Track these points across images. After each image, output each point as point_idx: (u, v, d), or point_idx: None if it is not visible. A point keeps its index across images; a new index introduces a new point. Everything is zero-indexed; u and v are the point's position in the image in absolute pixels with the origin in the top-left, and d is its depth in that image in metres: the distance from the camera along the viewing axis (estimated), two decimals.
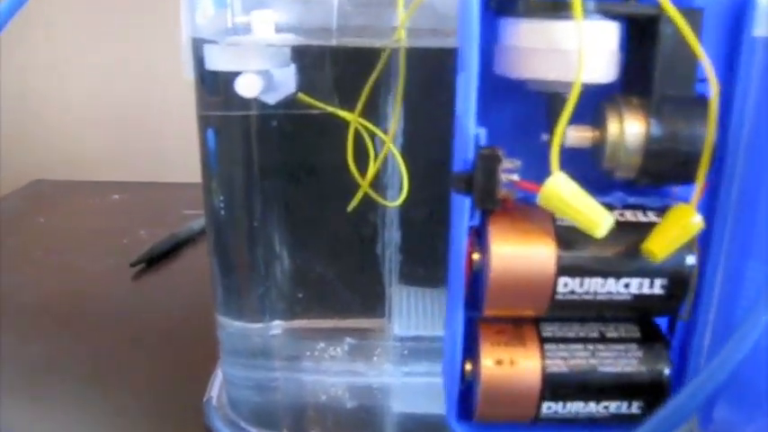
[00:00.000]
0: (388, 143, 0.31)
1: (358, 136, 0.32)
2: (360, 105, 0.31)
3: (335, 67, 0.32)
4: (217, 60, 0.30)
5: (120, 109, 0.66)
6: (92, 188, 0.62)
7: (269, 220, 0.35)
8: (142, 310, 0.43)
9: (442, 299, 0.37)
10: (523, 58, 0.23)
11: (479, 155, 0.24)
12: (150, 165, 0.66)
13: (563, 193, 0.23)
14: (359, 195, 0.32)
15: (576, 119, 0.23)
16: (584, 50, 0.22)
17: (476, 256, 0.25)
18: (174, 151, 0.66)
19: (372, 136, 0.32)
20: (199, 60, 0.31)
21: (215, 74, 0.31)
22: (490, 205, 0.24)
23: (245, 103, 0.31)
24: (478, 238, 0.25)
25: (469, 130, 0.23)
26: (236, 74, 0.30)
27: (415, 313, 0.37)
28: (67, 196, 0.61)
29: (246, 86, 0.29)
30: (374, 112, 0.32)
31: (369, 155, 0.32)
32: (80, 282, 0.46)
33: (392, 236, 0.36)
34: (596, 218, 0.23)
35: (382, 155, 0.32)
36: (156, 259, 0.48)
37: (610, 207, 0.25)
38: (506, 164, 0.24)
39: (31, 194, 0.61)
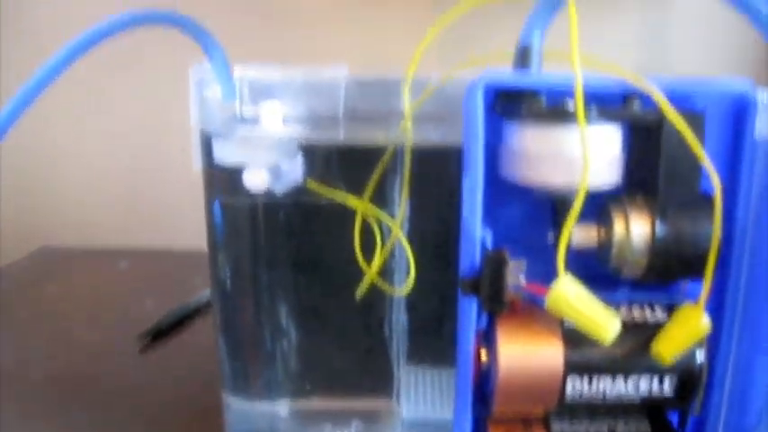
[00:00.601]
0: (396, 230, 0.31)
1: (365, 223, 0.32)
2: (367, 194, 0.31)
3: (342, 158, 0.32)
4: (225, 154, 0.30)
5: (128, 173, 0.66)
6: (99, 255, 0.62)
7: (276, 301, 0.35)
8: (149, 385, 0.42)
9: (450, 379, 0.37)
10: (528, 162, 0.23)
11: (486, 258, 0.23)
12: (158, 231, 0.66)
13: (570, 298, 0.22)
14: (366, 283, 0.32)
15: (581, 218, 0.23)
16: (588, 156, 0.22)
17: (483, 356, 0.25)
18: (183, 218, 0.66)
19: (379, 223, 0.32)
20: (207, 150, 0.31)
21: (223, 166, 0.31)
22: (498, 308, 0.24)
23: (251, 192, 0.31)
24: (486, 338, 0.25)
25: (476, 233, 0.23)
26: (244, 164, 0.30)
27: (424, 395, 0.36)
28: (74, 264, 0.60)
29: (254, 181, 0.29)
30: (381, 199, 0.32)
31: (375, 242, 0.32)
32: (87, 355, 0.46)
33: (399, 318, 0.35)
34: (604, 323, 0.22)
35: (390, 242, 0.32)
36: (164, 332, 0.48)
37: (616, 304, 0.25)
38: (513, 266, 0.24)
39: (36, 262, 0.61)
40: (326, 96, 0.32)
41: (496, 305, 0.24)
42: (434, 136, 0.31)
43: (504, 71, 0.24)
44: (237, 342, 0.37)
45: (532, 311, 0.25)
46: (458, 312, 0.26)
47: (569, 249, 0.24)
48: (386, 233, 0.32)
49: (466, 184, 0.23)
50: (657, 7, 0.57)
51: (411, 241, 0.32)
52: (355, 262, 0.33)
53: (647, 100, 0.24)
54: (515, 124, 0.23)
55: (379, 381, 0.36)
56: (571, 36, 0.21)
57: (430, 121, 0.31)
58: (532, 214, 0.26)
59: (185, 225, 0.67)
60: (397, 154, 0.31)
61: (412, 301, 0.35)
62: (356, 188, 0.32)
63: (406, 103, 0.30)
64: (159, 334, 0.48)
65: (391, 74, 0.39)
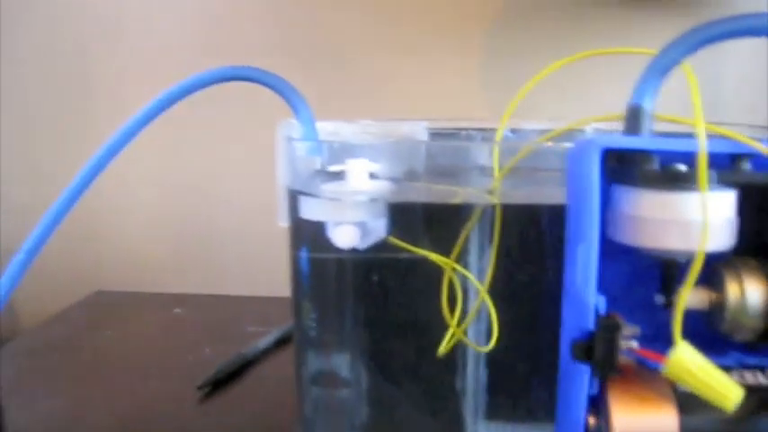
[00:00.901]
0: (483, 293, 0.30)
1: (436, 277, 0.32)
2: (454, 253, 0.30)
3: (425, 216, 0.32)
4: (313, 212, 0.30)
5: (182, 221, 0.66)
6: (152, 300, 0.62)
7: (356, 350, 0.35)
8: None
9: None
10: (643, 227, 0.23)
11: (600, 324, 0.23)
12: (210, 276, 0.66)
13: (690, 366, 0.22)
14: (451, 341, 0.31)
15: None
16: (708, 221, 0.22)
17: (592, 422, 0.24)
18: (235, 264, 0.66)
19: (459, 276, 0.32)
20: (294, 209, 0.31)
21: (310, 221, 0.30)
22: (610, 374, 0.23)
23: (336, 246, 0.31)
24: (594, 404, 0.24)
25: (589, 300, 0.23)
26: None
27: None
28: (129, 309, 0.60)
29: (344, 238, 0.29)
30: (462, 255, 0.32)
31: (456, 297, 0.32)
32: (148, 404, 0.45)
33: (478, 372, 0.35)
34: (726, 392, 0.22)
35: (477, 305, 0.31)
36: (223, 381, 0.47)
37: (727, 369, 0.24)
38: (625, 330, 0.23)
39: (92, 307, 0.61)
40: (408, 152, 0.32)
41: (609, 371, 0.23)
42: (522, 194, 0.31)
43: (616, 134, 0.24)
44: (316, 390, 0.36)
45: (643, 375, 0.24)
46: (561, 376, 0.25)
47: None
48: (466, 286, 0.32)
49: (580, 252, 0.23)
50: (710, 62, 0.57)
51: (493, 296, 0.32)
52: (433, 317, 0.33)
53: (756, 160, 0.23)
54: (629, 188, 0.23)
55: None
56: (693, 99, 0.21)
57: (514, 177, 0.31)
58: (636, 275, 0.26)
59: (236, 271, 0.67)
60: (482, 211, 0.31)
61: (491, 358, 0.34)
62: (437, 242, 0.32)
63: (496, 162, 0.29)
64: (218, 383, 0.47)
65: (466, 126, 0.39)
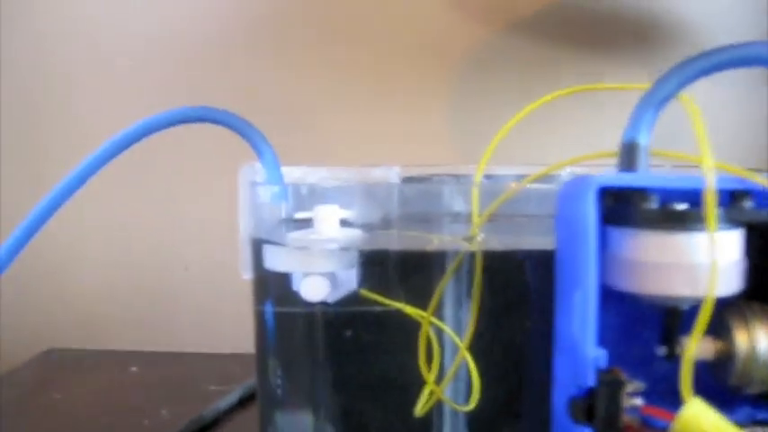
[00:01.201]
0: (463, 350, 0.28)
1: (412, 331, 0.29)
2: (432, 304, 0.28)
3: (399, 265, 0.30)
4: (279, 262, 0.27)
5: (137, 273, 0.63)
6: (107, 358, 0.57)
7: (326, 409, 0.31)
8: None
9: None
10: (643, 272, 0.21)
11: (601, 380, 0.20)
12: (167, 333, 0.62)
13: (704, 424, 0.19)
14: (431, 401, 0.29)
15: (689, 328, 0.21)
16: (717, 264, 0.19)
17: None
18: (194, 321, 0.62)
19: (437, 330, 0.29)
20: (257, 259, 0.28)
21: (275, 273, 0.28)
22: None
23: (303, 300, 0.28)
24: None
25: (588, 352, 0.20)
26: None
27: None
28: (81, 368, 0.56)
29: (313, 290, 0.26)
30: (438, 307, 0.29)
31: (432, 353, 0.29)
32: None
33: None
34: None
35: (457, 361, 0.28)
36: None
37: (738, 425, 0.22)
38: (629, 386, 0.21)
39: (42, 366, 0.57)
40: (380, 196, 0.30)
41: None
42: (502, 241, 0.29)
43: (612, 172, 0.22)
44: None
45: None
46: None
47: (677, 363, 0.21)
48: (442, 340, 0.29)
49: (576, 298, 0.20)
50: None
51: (473, 351, 0.29)
52: (409, 375, 0.30)
53: (758, 196, 0.22)
54: (627, 230, 0.21)
55: None
56: (698, 131, 0.19)
57: (492, 224, 0.29)
58: (632, 324, 0.24)
59: (194, 327, 0.64)
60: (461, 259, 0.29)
61: (472, 417, 0.31)
62: (412, 293, 0.29)
63: (475, 206, 0.27)
64: None
65: (437, 172, 0.37)
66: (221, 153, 0.57)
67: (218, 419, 0.47)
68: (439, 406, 0.31)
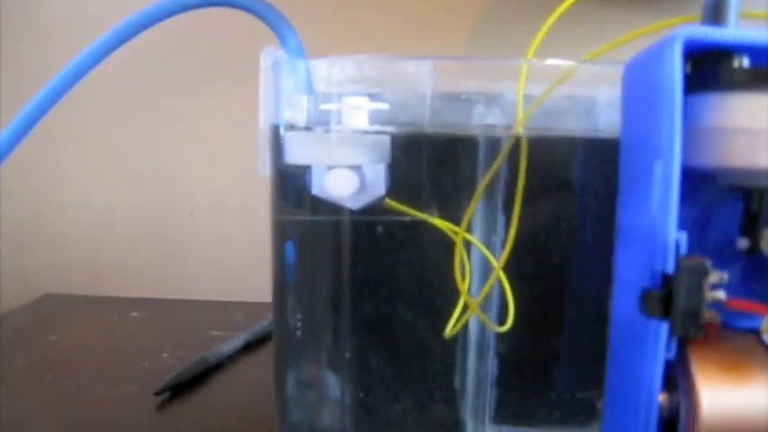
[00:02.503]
0: (498, 270, 0.24)
1: (443, 243, 0.25)
2: (466, 217, 0.24)
3: (431, 162, 0.26)
4: (302, 152, 0.23)
5: (140, 219, 0.59)
6: (108, 304, 0.54)
7: (345, 335, 0.28)
8: None
9: None
10: (731, 140, 0.17)
11: (682, 266, 0.17)
12: (171, 281, 0.58)
13: None
14: (465, 316, 0.25)
15: None
16: None
17: (663, 399, 0.18)
18: (197, 267, 0.59)
19: (467, 245, 0.26)
20: (278, 152, 0.24)
21: (296, 172, 0.24)
22: (693, 332, 0.17)
23: (327, 206, 0.25)
24: (665, 376, 0.18)
25: (669, 234, 0.17)
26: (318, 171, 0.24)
27: None
28: (81, 313, 0.52)
29: (339, 184, 0.23)
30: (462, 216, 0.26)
31: (464, 268, 0.26)
32: (96, 412, 0.37)
33: (483, 367, 0.28)
34: None
35: (491, 281, 0.25)
36: (182, 387, 0.40)
37: None
38: (712, 277, 0.17)
39: (40, 310, 0.53)
40: (409, 102, 0.26)
41: (693, 329, 0.17)
42: (552, 127, 0.25)
43: (700, 26, 0.18)
44: (297, 387, 0.30)
45: (729, 338, 0.18)
46: (618, 349, 0.19)
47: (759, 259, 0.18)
48: (477, 257, 0.26)
49: (657, 172, 0.17)
50: None
51: (507, 272, 0.26)
52: (433, 297, 0.26)
53: None
54: (712, 94, 0.17)
55: None
56: None
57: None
58: (707, 216, 0.20)
59: (198, 274, 0.60)
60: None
61: (503, 345, 0.28)
62: (442, 201, 0.26)
63: (521, 87, 0.24)
64: (178, 389, 0.40)
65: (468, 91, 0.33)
66: (230, 97, 0.53)
67: (221, 363, 0.43)
68: (464, 346, 0.28)
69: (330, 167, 0.23)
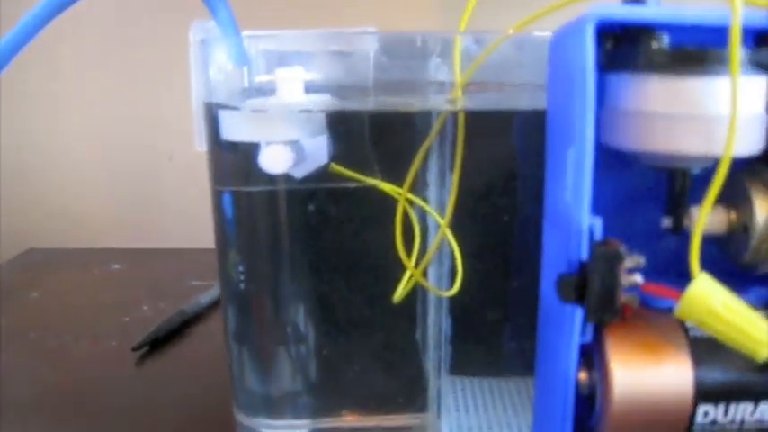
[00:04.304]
0: (444, 228, 0.24)
1: (388, 206, 0.26)
2: (408, 179, 0.24)
3: (372, 134, 0.26)
4: (236, 130, 0.23)
5: (119, 169, 0.59)
6: (89, 257, 0.54)
7: (296, 303, 0.29)
8: (147, 400, 0.36)
9: (496, 390, 0.30)
10: (650, 125, 0.17)
11: (596, 253, 0.17)
12: (150, 230, 0.59)
13: (713, 304, 0.16)
14: (409, 284, 0.25)
15: (698, 197, 0.17)
16: (737, 114, 0.16)
17: (583, 377, 0.18)
18: (176, 216, 0.59)
19: (419, 212, 0.26)
20: (213, 129, 0.24)
21: (233, 144, 0.24)
22: (608, 316, 0.17)
23: (268, 177, 0.25)
24: (586, 356, 0.19)
25: (582, 220, 0.17)
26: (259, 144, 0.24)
27: (465, 407, 0.30)
28: (62, 267, 0.53)
29: (273, 161, 0.23)
30: (416, 179, 0.26)
31: (413, 233, 0.26)
32: (79, 368, 0.39)
33: (440, 323, 0.29)
34: (758, 335, 0.16)
35: (436, 241, 0.25)
36: (161, 340, 0.41)
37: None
38: (627, 261, 0.17)
39: (22, 266, 0.54)
40: (352, 61, 0.25)
41: (608, 313, 0.17)
42: (488, 100, 0.25)
43: (614, 5, 0.17)
44: (252, 351, 0.30)
45: (646, 318, 0.18)
46: (543, 322, 0.20)
47: (683, 238, 0.18)
48: (423, 216, 0.26)
49: (570, 156, 0.17)
50: None
51: (455, 228, 0.26)
52: (384, 257, 0.27)
53: None
54: (631, 75, 0.17)
55: (410, 393, 0.30)
56: None
57: (475, 89, 0.25)
58: (630, 193, 0.20)
59: (177, 222, 0.61)
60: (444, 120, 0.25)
61: (454, 306, 0.28)
62: (388, 165, 0.26)
63: (457, 57, 0.23)
64: (157, 343, 0.41)
65: (412, 34, 0.32)
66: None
67: (199, 314, 0.44)
68: (423, 299, 0.28)
69: (266, 143, 0.23)
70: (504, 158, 0.25)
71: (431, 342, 0.30)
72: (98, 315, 0.45)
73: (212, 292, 0.45)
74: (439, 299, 0.29)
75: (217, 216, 0.26)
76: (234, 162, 0.25)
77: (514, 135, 0.25)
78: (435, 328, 0.29)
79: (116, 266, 0.52)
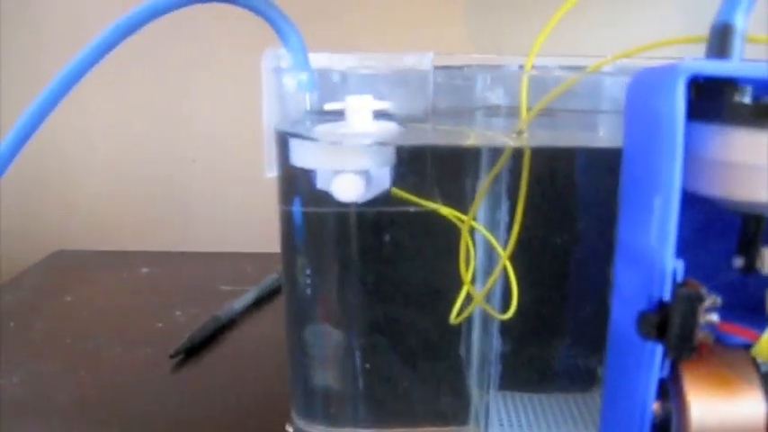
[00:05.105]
0: (505, 259, 0.25)
1: (447, 235, 0.26)
2: (474, 207, 0.25)
3: (435, 164, 0.27)
4: (307, 158, 0.24)
5: (148, 172, 0.59)
6: (118, 260, 0.55)
7: (354, 314, 0.29)
8: (185, 408, 0.36)
9: (542, 406, 0.31)
10: (730, 174, 0.18)
11: (678, 294, 0.18)
12: (180, 233, 0.60)
13: None
14: (470, 308, 0.26)
15: None
16: None
17: (656, 407, 0.19)
18: (206, 219, 0.60)
19: (472, 233, 0.27)
20: (283, 152, 0.25)
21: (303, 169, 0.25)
22: (687, 354, 0.18)
23: (333, 200, 0.25)
24: (659, 385, 0.20)
25: (666, 264, 0.18)
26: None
27: (510, 423, 0.31)
28: (93, 270, 0.54)
29: (346, 190, 0.24)
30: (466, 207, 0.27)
31: (468, 257, 0.27)
32: (115, 375, 0.39)
33: (489, 340, 0.30)
34: None
35: (498, 270, 0.26)
36: (197, 347, 0.42)
37: None
38: (706, 302, 0.18)
39: (53, 268, 0.54)
40: (415, 85, 0.26)
41: (686, 351, 0.18)
42: (554, 136, 0.26)
43: (702, 59, 0.18)
44: (310, 354, 0.31)
45: (720, 353, 0.19)
46: (616, 357, 0.21)
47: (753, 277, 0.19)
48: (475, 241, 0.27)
49: (657, 205, 0.18)
50: None
51: (514, 258, 0.27)
52: (442, 279, 0.28)
53: None
54: (714, 126, 0.18)
55: (454, 407, 0.31)
56: None
57: (538, 119, 0.25)
58: (705, 229, 0.21)
59: (206, 225, 0.61)
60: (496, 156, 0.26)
61: (506, 326, 0.29)
62: (448, 194, 0.27)
63: (524, 96, 0.24)
64: (192, 350, 0.42)
65: (468, 62, 0.33)
66: (238, 45, 0.53)
67: (232, 321, 0.45)
68: (468, 315, 0.29)
69: (336, 172, 0.24)
70: (566, 191, 0.26)
71: (476, 358, 0.31)
72: (131, 320, 0.46)
73: (245, 297, 0.46)
74: (485, 319, 0.30)
75: (284, 233, 0.27)
76: (302, 185, 0.26)
77: (577, 170, 0.26)
78: (481, 344, 0.30)
79: (145, 270, 0.53)
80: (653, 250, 0.18)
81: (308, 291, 0.28)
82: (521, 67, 0.32)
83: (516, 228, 0.24)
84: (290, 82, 0.24)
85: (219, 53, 0.56)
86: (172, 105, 0.58)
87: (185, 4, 0.26)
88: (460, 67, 0.32)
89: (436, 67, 0.32)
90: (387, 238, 0.28)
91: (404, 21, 0.55)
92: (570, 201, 0.26)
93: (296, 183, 0.26)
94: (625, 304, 0.20)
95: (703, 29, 0.19)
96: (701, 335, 0.18)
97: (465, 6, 0.54)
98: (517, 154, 0.25)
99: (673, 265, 0.18)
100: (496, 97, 0.27)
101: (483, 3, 0.55)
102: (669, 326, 0.18)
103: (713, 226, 0.21)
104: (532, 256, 0.27)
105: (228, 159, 0.57)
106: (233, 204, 0.59)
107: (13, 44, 0.57)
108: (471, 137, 0.25)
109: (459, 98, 0.27)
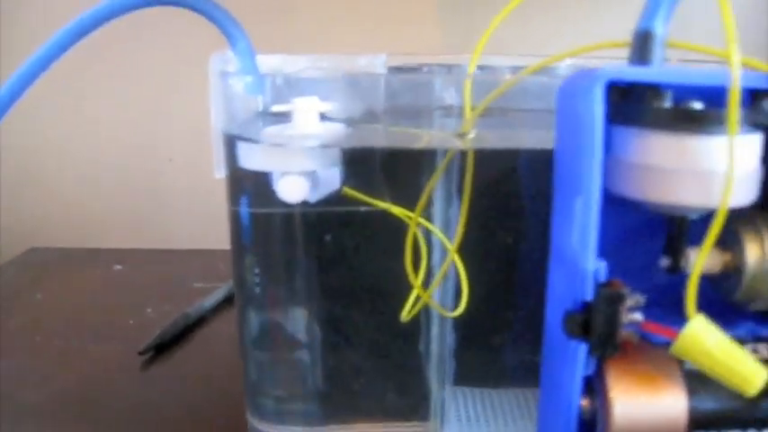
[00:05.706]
0: (452, 253, 0.26)
1: (398, 233, 0.27)
2: (420, 205, 0.26)
3: (385, 164, 0.27)
4: (254, 160, 0.25)
5: (120, 169, 0.60)
6: (91, 257, 0.55)
7: (305, 315, 0.30)
8: (155, 405, 0.37)
9: (497, 400, 0.32)
10: (652, 178, 0.18)
11: (600, 294, 0.18)
12: (153, 230, 0.60)
13: (707, 344, 0.18)
14: (418, 306, 0.27)
15: (697, 239, 0.19)
16: (734, 171, 0.17)
17: (585, 404, 0.20)
18: (179, 215, 0.60)
19: (424, 231, 0.27)
20: (231, 154, 0.25)
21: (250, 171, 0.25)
22: (610, 351, 0.19)
23: (282, 200, 0.26)
24: (586, 383, 0.20)
25: (588, 264, 0.18)
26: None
27: (467, 417, 0.32)
28: (66, 267, 0.54)
29: (291, 191, 0.24)
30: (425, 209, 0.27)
31: (419, 255, 0.27)
32: (86, 372, 0.40)
33: (444, 336, 0.30)
34: (748, 374, 0.18)
35: (446, 265, 0.26)
36: (166, 344, 0.42)
37: (739, 341, 0.20)
38: (629, 302, 0.19)
39: (25, 266, 0.55)
40: (365, 88, 0.27)
41: (609, 349, 0.19)
42: (497, 137, 0.26)
43: (622, 65, 0.19)
44: (263, 354, 0.32)
45: (644, 351, 0.20)
46: (549, 352, 0.21)
47: (679, 276, 0.19)
48: (429, 240, 0.27)
49: (577, 205, 0.18)
50: None
51: (462, 254, 0.27)
52: (394, 277, 0.28)
53: None
54: (636, 131, 0.18)
55: (413, 401, 0.32)
56: (725, 20, 0.16)
57: (485, 119, 0.26)
58: (631, 230, 0.21)
59: (180, 223, 0.62)
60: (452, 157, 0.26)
61: (459, 322, 0.30)
62: (398, 193, 0.27)
63: (467, 99, 0.25)
64: (161, 347, 0.42)
65: (426, 62, 0.34)
66: (200, 41, 0.53)
67: (203, 318, 0.45)
68: (426, 312, 0.30)
69: (282, 174, 0.24)
70: (513, 192, 0.26)
71: (434, 354, 0.31)
72: (102, 317, 0.46)
73: (216, 294, 0.47)
74: (443, 321, 0.30)
75: (233, 233, 0.27)
76: (250, 187, 0.26)
77: (523, 171, 0.26)
78: (438, 341, 0.31)
79: (118, 267, 0.53)
80: (575, 252, 0.18)
81: (258, 294, 0.28)
82: (480, 68, 0.33)
83: (462, 224, 0.25)
84: (236, 85, 0.25)
85: (197, 52, 0.56)
86: (148, 103, 0.58)
87: (130, 10, 0.26)
88: (419, 67, 0.33)
89: (395, 67, 0.33)
90: (339, 237, 0.28)
91: (377, 20, 0.55)
92: (516, 200, 0.27)
93: (244, 184, 0.26)
94: (555, 304, 0.20)
95: (679, 28, 0.19)
96: (625, 334, 0.19)
97: (438, 6, 0.55)
98: (465, 154, 0.26)
99: (594, 266, 0.18)
100: (451, 97, 0.28)
101: (457, 1, 0.55)
102: (592, 325, 0.19)
103: (644, 227, 0.21)
104: (483, 255, 0.28)
105: (204, 158, 0.58)
106: (208, 201, 0.59)
107: (14, 44, 0.57)
108: (419, 138, 0.26)
109: (416, 98, 0.28)
